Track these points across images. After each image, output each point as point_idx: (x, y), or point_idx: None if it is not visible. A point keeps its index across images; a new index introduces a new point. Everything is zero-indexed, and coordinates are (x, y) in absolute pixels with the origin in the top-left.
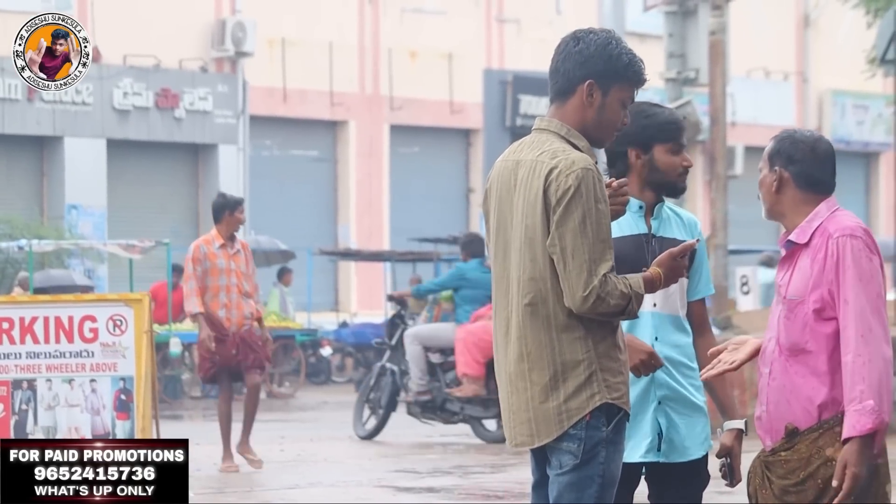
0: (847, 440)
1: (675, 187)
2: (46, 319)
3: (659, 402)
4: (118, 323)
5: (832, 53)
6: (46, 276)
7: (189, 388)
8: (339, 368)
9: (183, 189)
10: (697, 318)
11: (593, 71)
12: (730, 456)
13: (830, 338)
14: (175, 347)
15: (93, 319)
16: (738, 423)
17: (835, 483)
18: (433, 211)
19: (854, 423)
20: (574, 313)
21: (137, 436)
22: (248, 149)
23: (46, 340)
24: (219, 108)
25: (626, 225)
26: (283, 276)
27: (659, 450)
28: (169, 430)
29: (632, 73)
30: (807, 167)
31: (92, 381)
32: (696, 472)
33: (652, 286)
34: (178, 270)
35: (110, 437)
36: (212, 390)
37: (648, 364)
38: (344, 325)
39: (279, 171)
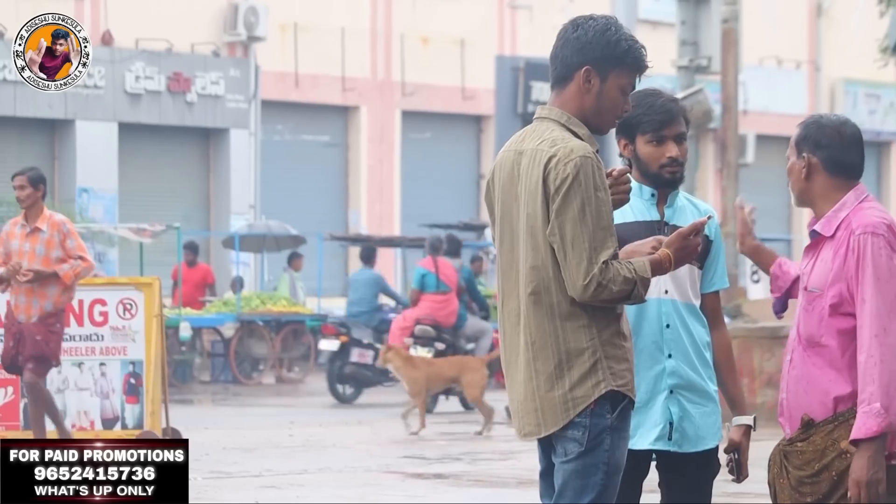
0: (855, 442)
1: (658, 179)
2: None
3: (671, 391)
4: (128, 307)
5: (844, 42)
6: None
7: (199, 373)
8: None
9: (194, 173)
10: (711, 311)
11: (591, 57)
12: (738, 451)
13: (846, 333)
14: (185, 332)
15: (103, 303)
16: (747, 419)
17: (852, 501)
18: (444, 197)
19: (860, 426)
20: (578, 301)
21: (146, 420)
22: (260, 133)
23: None
24: (230, 93)
25: (639, 211)
26: (293, 261)
27: (670, 439)
28: (178, 415)
29: (631, 60)
30: (835, 152)
31: (102, 364)
32: (708, 462)
33: (660, 268)
34: (190, 248)
35: (119, 421)
36: (221, 375)
37: (686, 246)
38: None
39: (290, 156)
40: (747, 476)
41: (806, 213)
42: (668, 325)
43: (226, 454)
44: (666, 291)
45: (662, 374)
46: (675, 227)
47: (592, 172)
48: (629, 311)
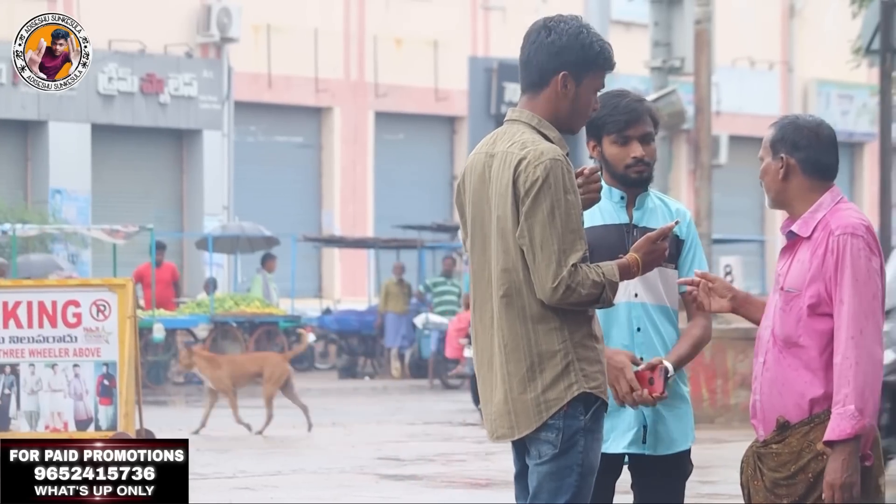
0: (829, 444)
1: (625, 179)
2: (30, 304)
3: None
4: (102, 308)
5: (817, 43)
6: (27, 261)
7: (172, 374)
8: (322, 355)
9: (167, 175)
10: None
11: (567, 62)
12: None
13: (824, 334)
14: (158, 333)
15: (76, 304)
16: (667, 363)
17: (826, 503)
18: (417, 198)
19: (834, 427)
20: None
21: (120, 421)
22: (233, 135)
23: (30, 325)
24: (204, 94)
25: (607, 214)
26: (266, 262)
27: (644, 442)
28: (152, 416)
29: (603, 60)
30: (813, 153)
31: (75, 366)
32: (680, 464)
33: (628, 272)
34: (157, 247)
35: (93, 423)
36: (195, 376)
37: (622, 384)
38: (327, 311)
39: (264, 157)
40: (659, 393)
41: (779, 214)
42: (638, 329)
43: (200, 455)
44: (636, 295)
45: None
46: (645, 230)
47: (562, 175)
48: (599, 315)
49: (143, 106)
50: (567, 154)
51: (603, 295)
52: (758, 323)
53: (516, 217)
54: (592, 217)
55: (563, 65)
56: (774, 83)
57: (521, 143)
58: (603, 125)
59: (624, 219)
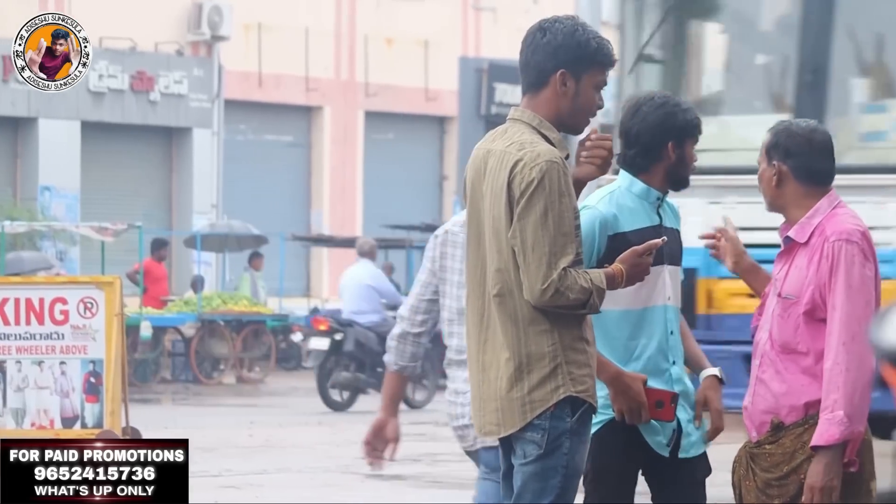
0: (815, 448)
1: (687, 180)
2: (17, 301)
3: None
4: (89, 305)
5: None
6: (17, 258)
7: (159, 372)
8: (309, 354)
9: (156, 172)
10: None
11: (564, 60)
12: (707, 406)
13: (820, 339)
14: (145, 331)
15: (64, 302)
16: (714, 370)
17: (805, 502)
18: (407, 198)
19: (822, 432)
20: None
21: (106, 419)
22: (223, 133)
23: (17, 322)
24: (194, 92)
25: (646, 216)
26: (254, 260)
27: (668, 444)
28: (138, 414)
29: (602, 57)
30: (805, 160)
31: (62, 363)
32: (701, 466)
33: (613, 283)
34: (164, 245)
35: (79, 420)
36: (182, 374)
37: (636, 413)
38: (315, 310)
39: (253, 155)
40: (721, 429)
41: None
42: (672, 332)
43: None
44: (669, 298)
45: (670, 381)
46: (669, 230)
47: (558, 178)
48: (635, 318)
49: (133, 103)
50: (567, 157)
51: (590, 301)
52: (759, 293)
53: (510, 218)
54: (641, 219)
55: (560, 63)
56: None
57: (519, 143)
58: (692, 129)
59: (656, 220)
